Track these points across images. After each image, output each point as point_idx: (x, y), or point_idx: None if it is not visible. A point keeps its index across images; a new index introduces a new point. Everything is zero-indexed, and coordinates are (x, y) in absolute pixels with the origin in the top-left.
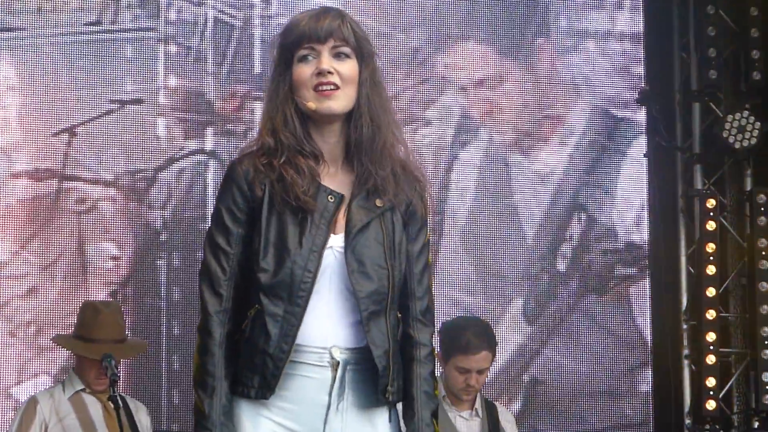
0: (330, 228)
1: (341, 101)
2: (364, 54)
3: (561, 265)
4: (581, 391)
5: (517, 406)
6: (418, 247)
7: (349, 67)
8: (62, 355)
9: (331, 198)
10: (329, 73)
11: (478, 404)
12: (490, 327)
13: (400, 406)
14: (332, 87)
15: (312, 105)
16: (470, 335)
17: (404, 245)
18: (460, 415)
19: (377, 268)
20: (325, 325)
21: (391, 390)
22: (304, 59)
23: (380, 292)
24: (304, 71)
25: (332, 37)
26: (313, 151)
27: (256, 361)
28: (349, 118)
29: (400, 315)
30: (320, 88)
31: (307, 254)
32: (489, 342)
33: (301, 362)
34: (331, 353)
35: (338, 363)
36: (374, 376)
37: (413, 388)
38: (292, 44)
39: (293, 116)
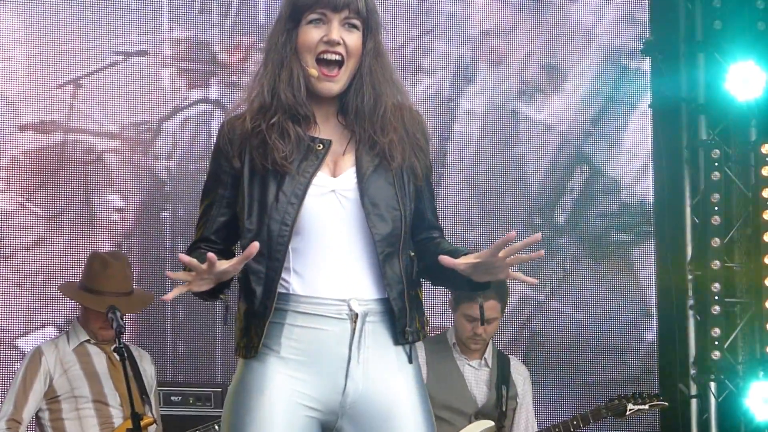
0: (313, 174)
1: (342, 83)
2: (371, 26)
3: (563, 216)
4: (586, 342)
5: (519, 358)
6: (428, 181)
7: (355, 39)
8: (68, 307)
9: (319, 146)
10: (337, 43)
11: (488, 354)
12: None
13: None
14: (337, 57)
15: (314, 72)
16: None
17: (411, 187)
18: (468, 364)
19: (391, 209)
20: (341, 275)
21: (409, 330)
22: (313, 23)
23: (394, 234)
24: (312, 35)
25: (348, 8)
26: (306, 114)
27: (246, 322)
28: (349, 86)
29: (413, 253)
30: (324, 56)
31: (284, 207)
32: (498, 291)
33: (318, 315)
34: (349, 305)
35: (357, 315)
36: (393, 323)
37: (445, 247)
38: (306, 5)
39: (299, 75)
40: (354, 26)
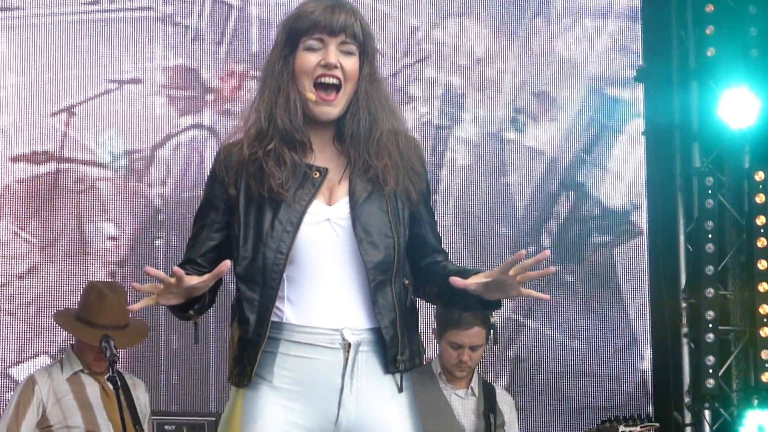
0: (309, 203)
1: (340, 107)
2: (368, 51)
3: (557, 242)
4: (579, 369)
5: (508, 384)
6: (427, 206)
7: (353, 63)
8: (62, 336)
9: (316, 174)
10: (335, 67)
11: (474, 383)
12: None
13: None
14: (335, 81)
15: (311, 97)
16: None
17: (407, 213)
18: (455, 393)
19: (383, 237)
20: (334, 305)
21: (401, 359)
22: (310, 48)
23: (386, 261)
24: (309, 60)
25: (344, 32)
26: (302, 140)
27: (240, 350)
28: (346, 110)
29: (407, 281)
30: (322, 80)
31: (280, 235)
32: (482, 318)
33: (311, 344)
34: (342, 335)
35: (350, 344)
36: (385, 352)
37: (452, 269)
38: (302, 31)
39: (296, 101)
40: (351, 51)
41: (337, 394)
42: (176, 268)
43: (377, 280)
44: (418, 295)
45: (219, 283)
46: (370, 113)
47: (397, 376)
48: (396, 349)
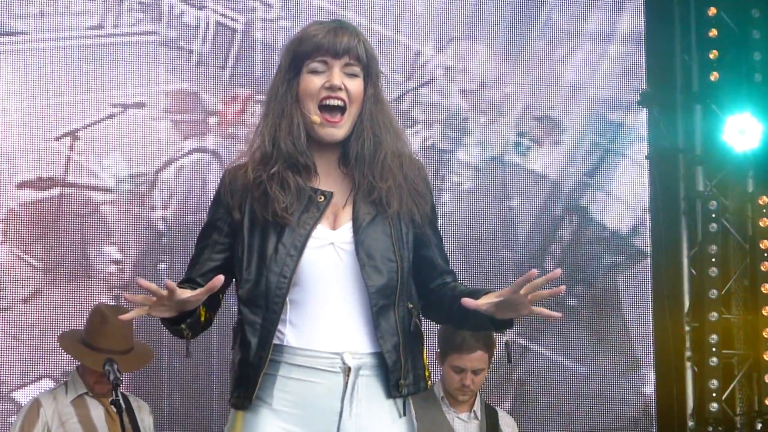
0: (313, 227)
1: (345, 129)
2: (371, 73)
3: (562, 266)
4: (582, 393)
5: (510, 407)
6: (434, 227)
7: (357, 86)
8: (65, 360)
9: (321, 198)
10: (339, 89)
11: (477, 407)
12: None
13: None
14: (340, 103)
15: (317, 119)
16: (466, 334)
17: (411, 236)
18: (458, 417)
19: (386, 261)
20: (336, 328)
21: (404, 383)
22: (314, 71)
23: (389, 285)
24: (313, 83)
25: (348, 54)
26: (306, 164)
27: (241, 372)
28: (351, 132)
29: (411, 305)
30: (327, 102)
31: (283, 259)
32: (485, 342)
33: (312, 368)
34: (342, 359)
35: (350, 369)
36: (387, 376)
37: (462, 290)
38: (306, 54)
39: (300, 124)
40: (355, 74)
41: (336, 418)
42: (168, 281)
43: (380, 305)
44: (428, 316)
45: (217, 304)
46: (374, 135)
47: (399, 400)
48: (399, 374)
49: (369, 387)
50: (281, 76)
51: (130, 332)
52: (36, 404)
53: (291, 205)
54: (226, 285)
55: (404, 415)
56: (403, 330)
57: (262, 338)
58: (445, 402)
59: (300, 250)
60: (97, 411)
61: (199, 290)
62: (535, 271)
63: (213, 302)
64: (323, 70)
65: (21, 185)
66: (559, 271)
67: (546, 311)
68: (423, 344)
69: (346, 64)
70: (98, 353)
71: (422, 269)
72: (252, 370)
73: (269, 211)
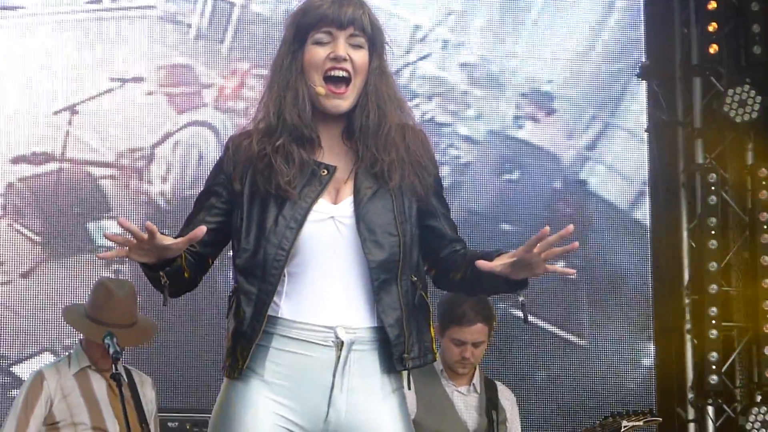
0: (315, 201)
1: (350, 100)
2: (376, 44)
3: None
4: (582, 366)
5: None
6: (439, 197)
7: (362, 57)
8: (65, 333)
9: (324, 171)
10: (344, 60)
11: (476, 380)
12: (488, 301)
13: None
14: (344, 74)
15: (321, 90)
16: (466, 307)
17: (414, 209)
18: (457, 390)
19: (388, 235)
20: (332, 303)
21: (408, 356)
22: (319, 42)
23: (391, 260)
24: (318, 53)
25: (353, 25)
26: (311, 136)
27: (234, 342)
28: (355, 104)
29: (415, 278)
30: (332, 73)
31: (283, 232)
32: (485, 315)
33: (304, 341)
34: (336, 333)
35: (342, 343)
36: (384, 352)
37: (475, 254)
38: (310, 25)
39: (305, 96)
40: (360, 45)
41: (328, 392)
42: (149, 223)
43: (381, 279)
44: (441, 285)
45: (204, 267)
46: (379, 107)
47: (393, 376)
48: (402, 348)
49: (362, 362)
50: (285, 47)
51: (135, 306)
52: (39, 377)
53: (294, 179)
54: (217, 250)
55: (401, 389)
56: (406, 304)
57: (257, 309)
58: (444, 375)
59: (300, 223)
60: (99, 384)
61: (180, 239)
62: (548, 228)
63: (200, 264)
64: (328, 41)
65: (20, 159)
66: (571, 227)
67: (560, 268)
68: (429, 317)
69: (351, 35)
70: (101, 326)
71: (431, 239)
72: (244, 341)
73: (272, 183)
